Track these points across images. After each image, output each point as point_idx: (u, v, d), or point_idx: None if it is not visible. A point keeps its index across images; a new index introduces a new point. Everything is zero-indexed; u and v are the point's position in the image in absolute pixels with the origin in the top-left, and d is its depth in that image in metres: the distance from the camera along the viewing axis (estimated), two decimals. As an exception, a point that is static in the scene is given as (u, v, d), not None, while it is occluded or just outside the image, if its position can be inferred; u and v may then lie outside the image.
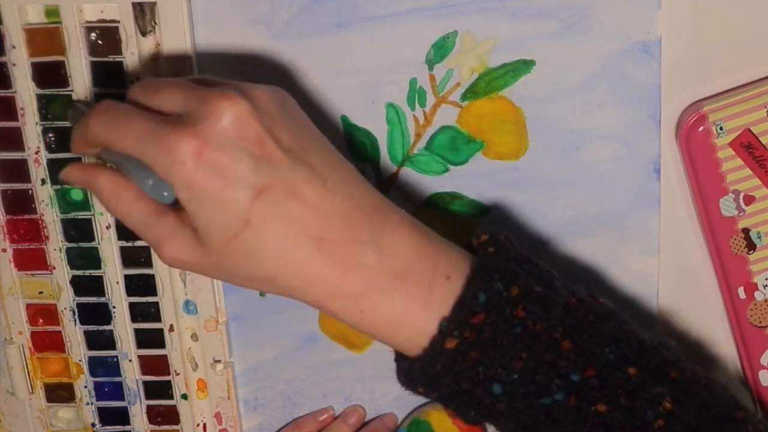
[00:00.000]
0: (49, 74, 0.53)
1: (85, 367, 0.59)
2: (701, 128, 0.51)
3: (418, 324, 0.43)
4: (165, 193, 0.43)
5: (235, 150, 0.41)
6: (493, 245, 0.45)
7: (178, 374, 0.58)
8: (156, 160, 0.42)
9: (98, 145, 0.45)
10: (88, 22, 0.52)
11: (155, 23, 0.52)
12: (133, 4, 0.51)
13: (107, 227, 0.56)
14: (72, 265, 0.57)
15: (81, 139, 0.46)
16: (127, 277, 0.56)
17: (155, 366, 0.58)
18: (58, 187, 0.55)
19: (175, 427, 0.60)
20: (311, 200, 0.42)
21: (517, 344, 0.42)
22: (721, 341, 0.56)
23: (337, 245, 0.42)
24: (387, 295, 0.43)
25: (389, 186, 0.55)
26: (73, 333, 0.58)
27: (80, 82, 0.53)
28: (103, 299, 0.57)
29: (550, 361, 0.43)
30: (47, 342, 0.58)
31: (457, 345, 0.42)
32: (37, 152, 0.54)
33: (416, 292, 0.43)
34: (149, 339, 0.58)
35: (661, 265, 0.55)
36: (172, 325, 0.57)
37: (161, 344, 0.58)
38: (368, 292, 0.43)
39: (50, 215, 0.56)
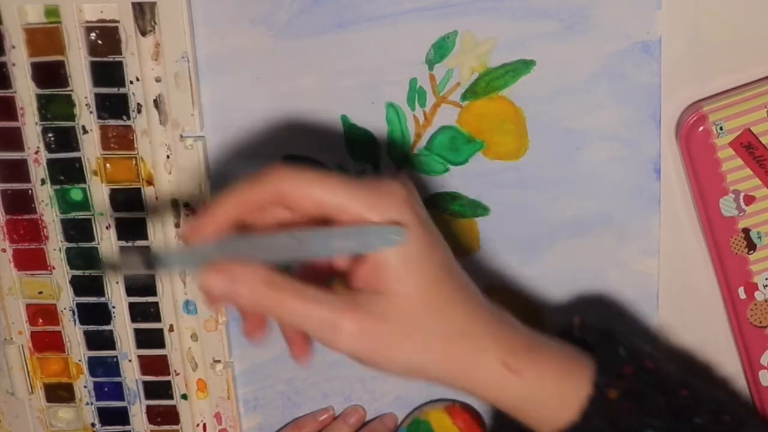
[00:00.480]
0: (49, 74, 0.53)
1: (84, 367, 0.59)
2: (701, 128, 0.51)
3: (575, 381, 0.44)
4: (394, 236, 0.41)
5: None
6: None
7: (177, 374, 0.58)
8: (376, 197, 0.42)
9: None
10: (87, 21, 0.52)
11: (155, 23, 0.52)
12: (133, 4, 0.51)
13: (107, 227, 0.56)
14: (72, 265, 0.57)
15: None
16: (127, 277, 0.56)
17: (155, 366, 0.58)
18: (58, 187, 0.55)
19: (174, 427, 0.60)
20: None
21: (654, 392, 0.44)
22: (721, 341, 0.56)
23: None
24: (547, 351, 0.45)
25: (389, 186, 0.55)
26: (73, 333, 0.58)
27: (80, 82, 0.53)
28: (102, 299, 0.57)
29: (678, 407, 0.45)
30: (47, 342, 0.58)
31: (618, 395, 0.44)
32: (36, 152, 0.54)
33: (564, 353, 0.45)
34: (149, 339, 0.58)
35: (661, 265, 0.55)
36: (171, 325, 0.57)
37: (161, 344, 0.58)
38: (534, 347, 0.44)
39: (50, 215, 0.56)
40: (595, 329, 0.47)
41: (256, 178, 0.42)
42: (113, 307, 0.57)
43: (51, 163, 0.55)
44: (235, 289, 0.41)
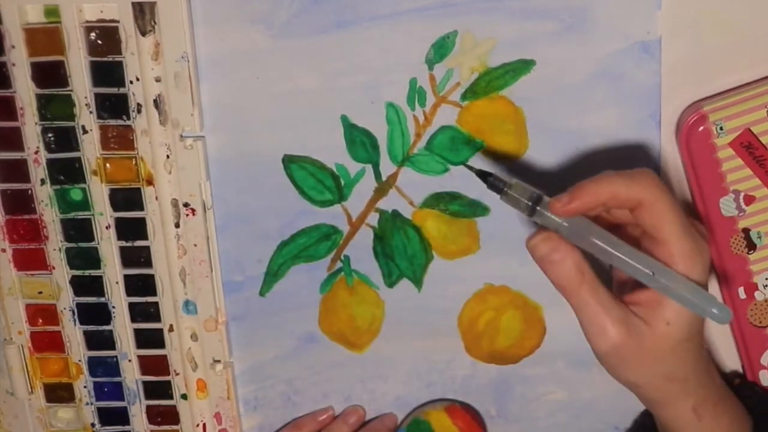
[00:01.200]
0: (49, 74, 0.53)
1: (84, 367, 0.59)
2: (701, 128, 0.51)
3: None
4: (725, 313, 0.46)
5: None
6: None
7: (177, 374, 0.58)
8: None
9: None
10: (87, 21, 0.52)
11: (155, 23, 0.52)
12: (133, 3, 0.51)
13: (107, 227, 0.56)
14: (71, 265, 0.57)
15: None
16: (126, 277, 0.56)
17: (155, 366, 0.58)
18: (58, 187, 0.55)
19: (174, 427, 0.60)
20: None
21: None
22: (721, 341, 0.56)
23: None
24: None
25: (389, 186, 0.55)
26: (73, 333, 0.58)
27: (80, 82, 0.53)
28: (102, 299, 0.57)
29: None
30: (47, 342, 0.58)
31: None
32: (36, 152, 0.54)
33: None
34: (149, 339, 0.58)
35: (661, 265, 0.55)
36: (171, 325, 0.57)
37: (161, 344, 0.58)
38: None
39: (50, 215, 0.56)
40: (758, 394, 0.54)
41: (628, 176, 0.46)
42: (113, 307, 0.57)
43: (51, 163, 0.55)
44: (551, 260, 0.47)
